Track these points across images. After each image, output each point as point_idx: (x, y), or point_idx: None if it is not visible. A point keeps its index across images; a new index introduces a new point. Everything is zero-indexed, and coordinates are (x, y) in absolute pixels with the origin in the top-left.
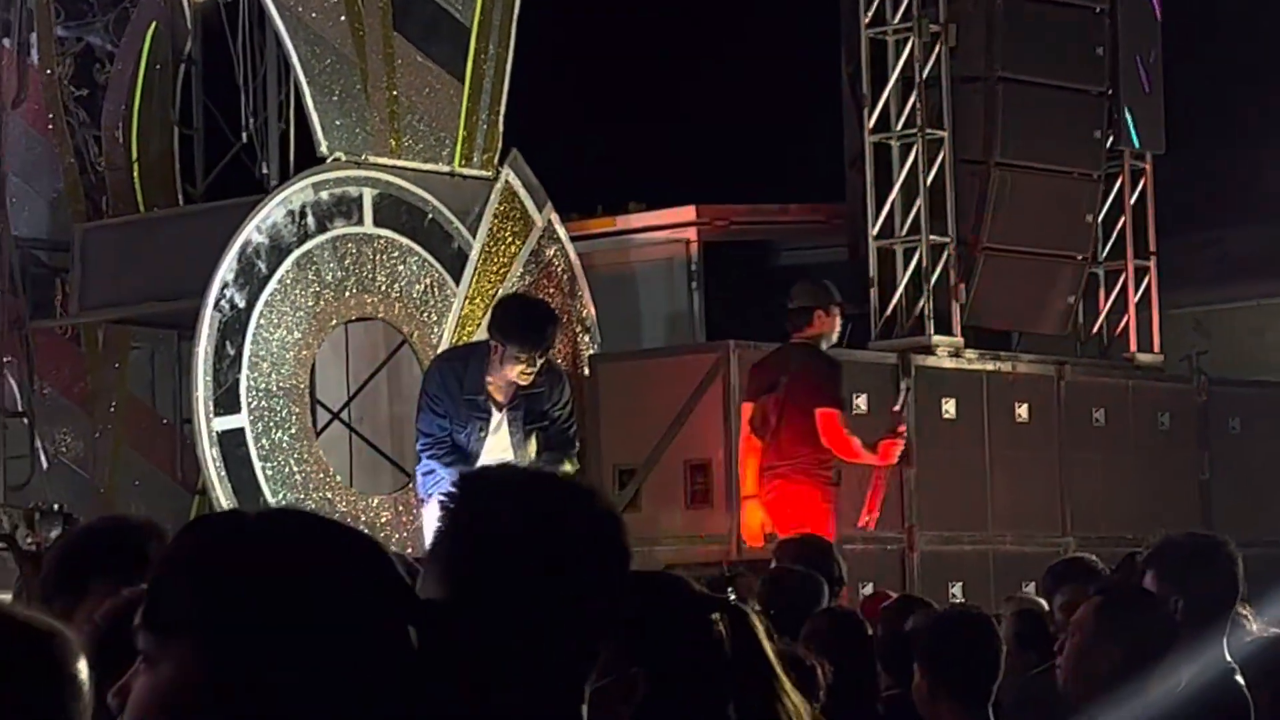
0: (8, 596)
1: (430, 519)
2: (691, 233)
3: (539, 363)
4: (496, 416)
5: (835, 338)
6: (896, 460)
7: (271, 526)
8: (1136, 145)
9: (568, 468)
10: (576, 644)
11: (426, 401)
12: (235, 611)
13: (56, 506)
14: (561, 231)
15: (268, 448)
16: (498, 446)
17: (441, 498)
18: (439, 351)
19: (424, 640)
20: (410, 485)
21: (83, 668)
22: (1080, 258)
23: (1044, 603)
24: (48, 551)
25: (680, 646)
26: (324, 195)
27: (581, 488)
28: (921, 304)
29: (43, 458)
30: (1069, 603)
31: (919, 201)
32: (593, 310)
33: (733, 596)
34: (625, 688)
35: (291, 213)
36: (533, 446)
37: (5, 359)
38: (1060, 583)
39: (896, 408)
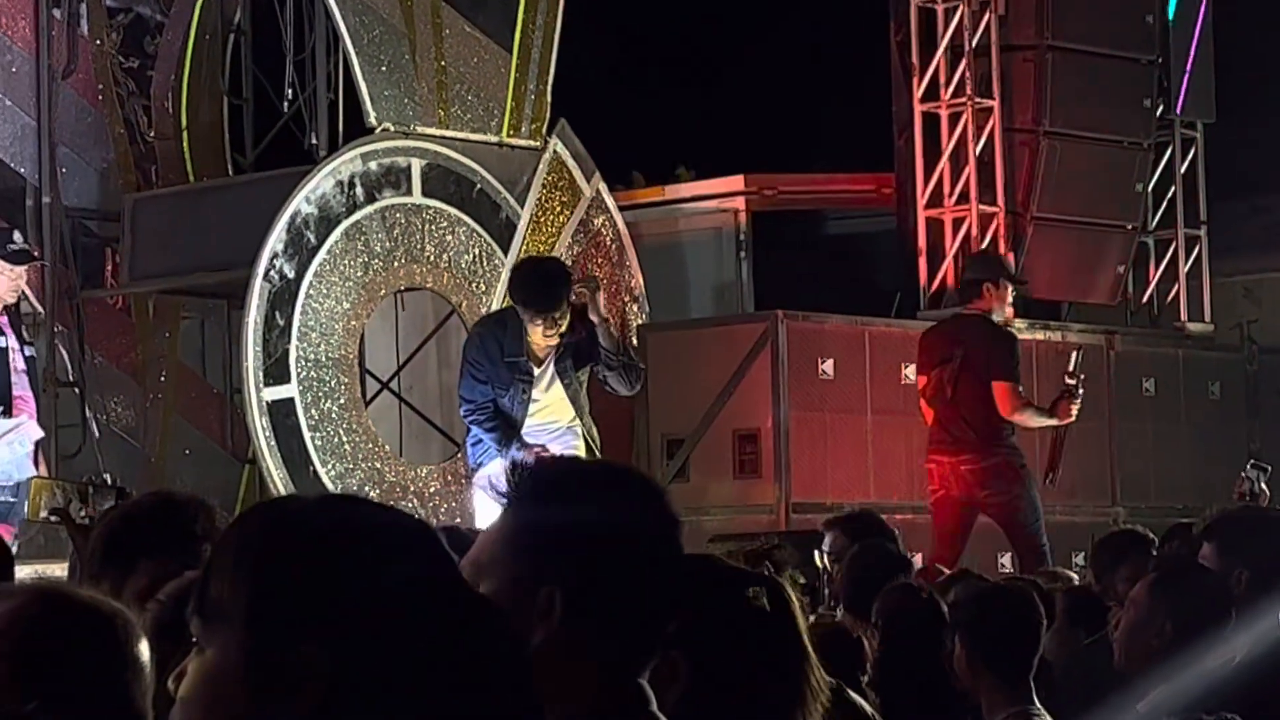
0: (62, 567)
1: (481, 490)
2: (740, 202)
3: (561, 322)
4: (541, 375)
5: (1008, 311)
6: (1074, 417)
7: (320, 516)
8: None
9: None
10: (633, 640)
11: (468, 368)
12: (273, 601)
13: (109, 480)
14: (610, 201)
15: (317, 418)
16: (550, 402)
17: (501, 492)
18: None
19: (477, 634)
20: (459, 455)
21: (144, 649)
22: (1130, 227)
23: (1073, 575)
24: (95, 527)
25: (717, 627)
26: (372, 166)
27: (647, 483)
28: None
29: (94, 427)
30: (1125, 576)
31: (968, 171)
32: (641, 280)
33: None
34: (667, 672)
35: (340, 183)
36: (583, 397)
37: (56, 329)
38: (1111, 555)
39: (1070, 369)
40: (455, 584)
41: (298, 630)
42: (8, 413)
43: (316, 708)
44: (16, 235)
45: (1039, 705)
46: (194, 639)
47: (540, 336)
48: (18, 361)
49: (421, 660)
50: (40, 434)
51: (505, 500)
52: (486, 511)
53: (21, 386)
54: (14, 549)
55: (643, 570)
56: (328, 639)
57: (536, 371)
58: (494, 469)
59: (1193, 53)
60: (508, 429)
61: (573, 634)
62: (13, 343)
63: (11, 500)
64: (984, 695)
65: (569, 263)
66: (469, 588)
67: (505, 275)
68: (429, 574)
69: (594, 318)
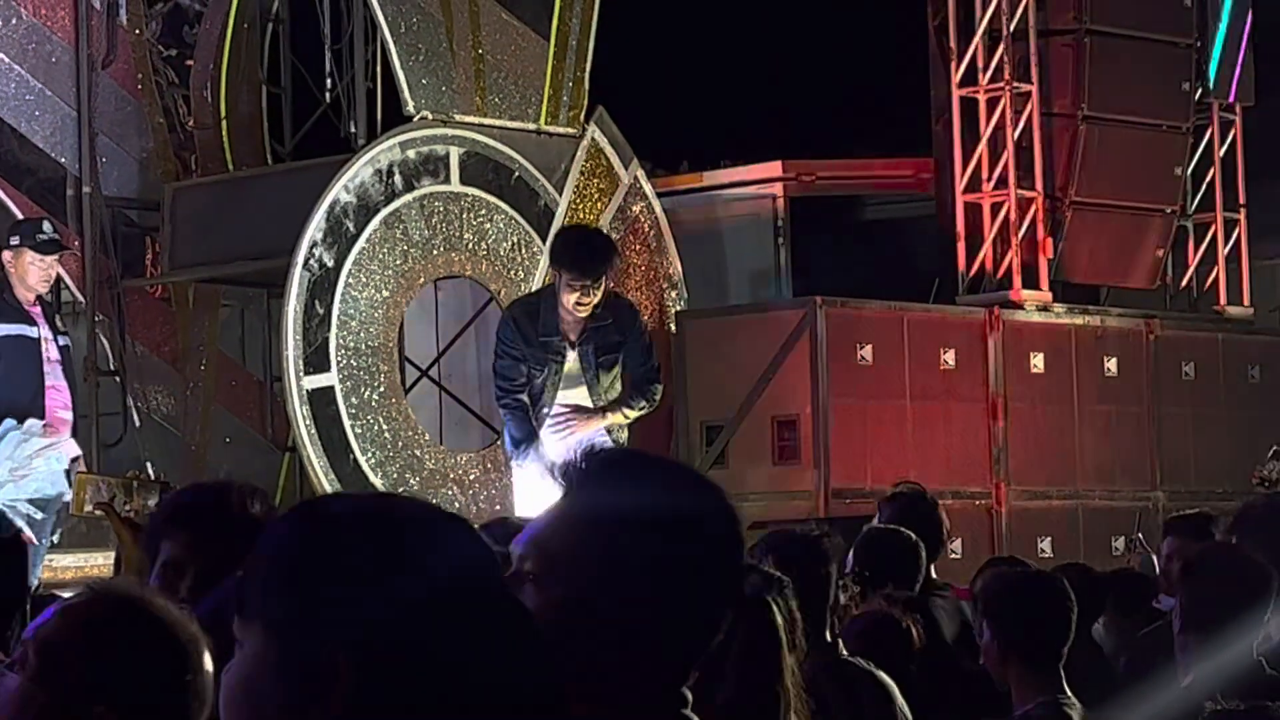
0: (105, 556)
1: (523, 477)
2: (778, 188)
3: (595, 294)
4: (571, 356)
5: None
6: None
7: (354, 517)
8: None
9: (637, 410)
10: (686, 640)
11: (501, 348)
12: (301, 603)
13: (152, 474)
14: (648, 188)
15: (357, 406)
16: (571, 385)
17: (561, 483)
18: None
19: (505, 639)
20: (498, 441)
21: (209, 672)
22: (1169, 210)
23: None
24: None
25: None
26: (411, 154)
27: (703, 479)
28: (1009, 258)
29: (134, 416)
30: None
31: (1006, 155)
32: (679, 267)
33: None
34: None
35: (379, 172)
36: (615, 386)
37: (97, 318)
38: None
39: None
40: (486, 587)
41: (324, 633)
42: (39, 401)
43: (342, 711)
44: (47, 225)
45: (1069, 693)
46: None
47: (573, 305)
48: (50, 351)
49: (447, 666)
50: (78, 452)
51: (563, 485)
52: (527, 497)
53: (55, 376)
54: (52, 543)
55: (702, 568)
56: (352, 643)
57: (568, 350)
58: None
59: (1232, 35)
60: (528, 415)
61: (623, 629)
62: (45, 332)
63: (39, 516)
64: (1012, 683)
65: None
66: (501, 590)
67: (544, 260)
68: (460, 578)
69: None
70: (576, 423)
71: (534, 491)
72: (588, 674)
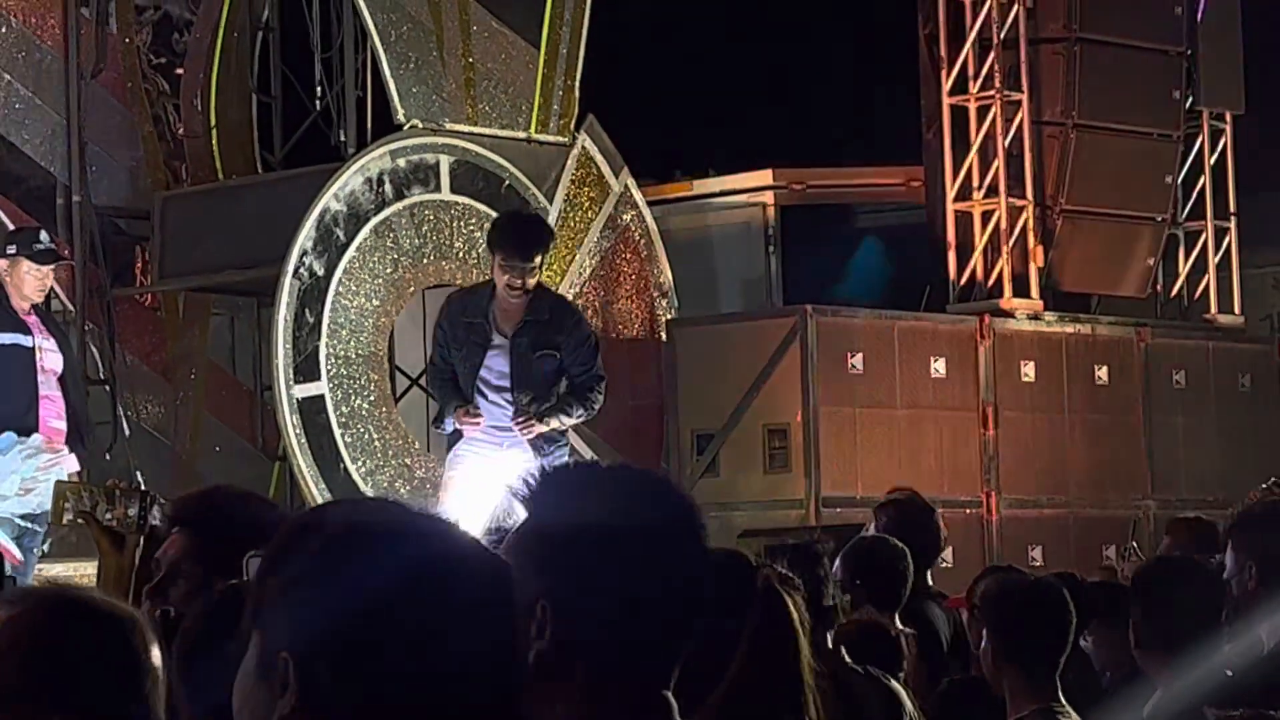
0: (94, 566)
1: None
2: (768, 196)
3: (528, 279)
4: (498, 340)
5: None
6: None
7: (334, 527)
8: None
9: (574, 418)
10: (661, 639)
11: (436, 329)
12: (270, 606)
13: (134, 482)
14: (638, 196)
15: (347, 414)
16: (496, 374)
17: (523, 492)
18: None
19: (457, 661)
20: None
21: (156, 652)
22: (1160, 219)
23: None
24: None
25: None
26: (401, 162)
27: (661, 479)
28: (1000, 267)
29: (124, 425)
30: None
31: (997, 163)
32: (670, 275)
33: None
34: None
35: (369, 180)
36: (543, 387)
37: (87, 327)
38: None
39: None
40: (443, 592)
41: (277, 635)
42: (33, 411)
43: (292, 709)
44: (44, 234)
45: (1064, 702)
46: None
47: (504, 288)
48: (45, 360)
49: (388, 670)
50: (77, 467)
51: (522, 502)
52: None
53: (48, 386)
54: (43, 553)
55: (650, 576)
56: (296, 644)
57: (496, 339)
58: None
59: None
60: (457, 394)
61: (574, 641)
62: (40, 341)
63: (39, 530)
64: (1007, 691)
65: (598, 258)
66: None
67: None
68: (412, 584)
69: None
70: (513, 433)
71: (461, 492)
72: (564, 685)
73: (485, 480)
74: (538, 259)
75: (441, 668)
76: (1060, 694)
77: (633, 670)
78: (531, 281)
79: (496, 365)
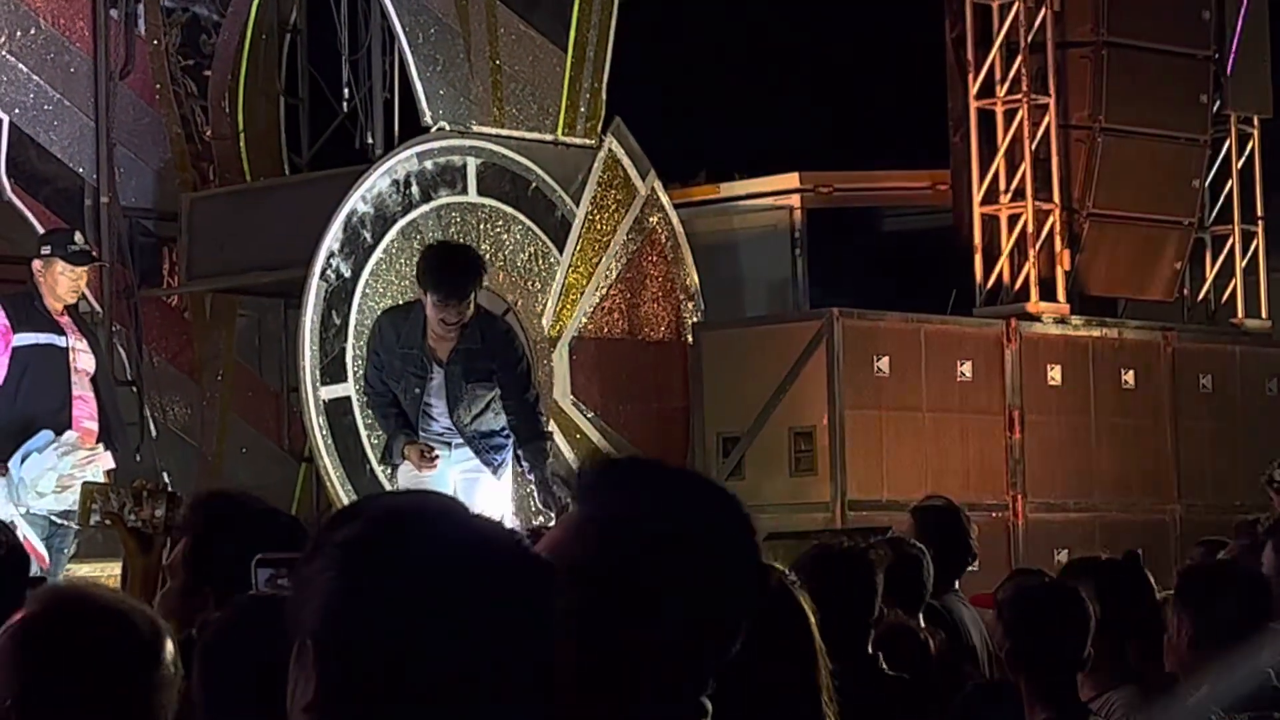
0: (118, 566)
1: (405, 478)
2: (795, 200)
3: (461, 313)
4: (436, 374)
5: None
6: None
7: (371, 522)
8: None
9: (546, 445)
10: (705, 647)
11: (370, 354)
12: (302, 592)
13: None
14: (665, 199)
15: (373, 416)
16: (436, 400)
17: (571, 493)
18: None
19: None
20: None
21: (169, 650)
22: (1187, 223)
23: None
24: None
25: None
26: (428, 165)
27: (715, 484)
28: (1026, 270)
29: (151, 426)
30: None
31: (1024, 167)
32: (696, 278)
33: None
34: None
35: (396, 182)
36: (483, 411)
37: (114, 328)
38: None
39: None
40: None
41: (307, 623)
42: (66, 411)
43: (310, 703)
44: (77, 236)
45: (1083, 703)
46: None
47: (439, 325)
48: (78, 361)
49: (407, 660)
50: (112, 464)
51: (575, 494)
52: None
53: (81, 386)
54: (71, 552)
55: (712, 578)
56: (321, 636)
57: (434, 371)
58: (404, 475)
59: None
60: (400, 424)
61: (643, 637)
62: (73, 342)
63: (72, 529)
64: (1026, 693)
65: (624, 261)
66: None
67: (560, 275)
68: (440, 575)
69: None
70: (458, 435)
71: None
72: (609, 683)
73: (440, 477)
74: (472, 294)
75: (468, 660)
76: (1078, 695)
77: (679, 674)
78: (467, 314)
79: (435, 394)
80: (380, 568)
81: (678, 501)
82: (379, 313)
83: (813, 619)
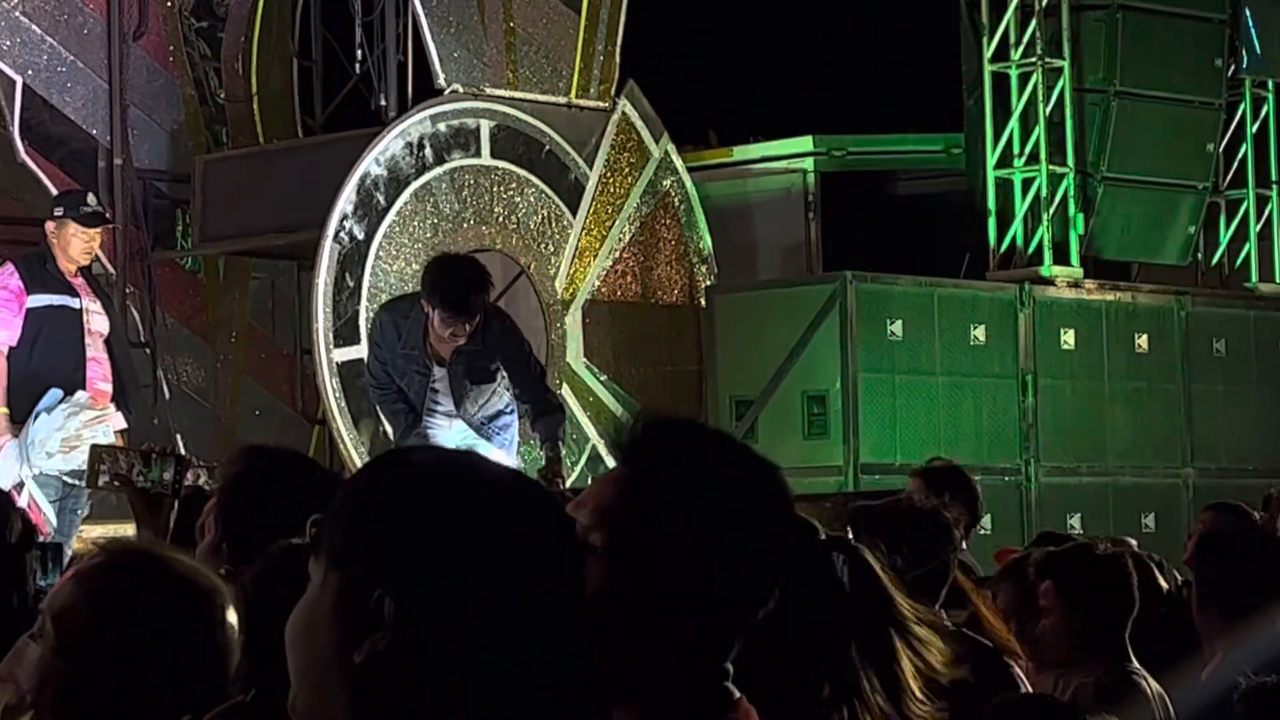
0: (131, 527)
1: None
2: (808, 163)
3: (465, 333)
4: (438, 372)
5: None
6: None
7: (427, 472)
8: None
9: (561, 429)
10: (740, 601)
11: (372, 347)
12: (360, 545)
13: (172, 447)
14: (678, 162)
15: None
16: (443, 399)
17: (616, 452)
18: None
19: (551, 609)
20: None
21: (233, 624)
22: (1201, 187)
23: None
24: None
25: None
26: (441, 127)
27: (746, 447)
28: (1040, 234)
29: (165, 388)
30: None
31: (1038, 131)
32: (709, 241)
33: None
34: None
35: (410, 145)
36: (488, 403)
37: (128, 290)
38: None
39: None
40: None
41: (376, 576)
42: (80, 372)
43: (381, 655)
44: (90, 198)
45: (1136, 663)
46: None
47: (447, 335)
48: (92, 323)
49: (490, 625)
50: (124, 424)
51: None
52: None
53: (95, 348)
54: (85, 513)
55: (744, 536)
56: (400, 589)
57: (436, 371)
58: None
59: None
60: (413, 414)
61: (683, 598)
62: (87, 304)
63: (85, 490)
64: (1077, 656)
65: (637, 224)
66: (563, 559)
67: (574, 237)
68: (518, 542)
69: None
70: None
71: None
72: (643, 644)
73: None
74: (480, 313)
75: (537, 612)
76: (1130, 654)
77: (707, 631)
78: (474, 326)
79: (440, 391)
80: (464, 539)
81: (717, 460)
82: (383, 300)
83: (885, 578)
